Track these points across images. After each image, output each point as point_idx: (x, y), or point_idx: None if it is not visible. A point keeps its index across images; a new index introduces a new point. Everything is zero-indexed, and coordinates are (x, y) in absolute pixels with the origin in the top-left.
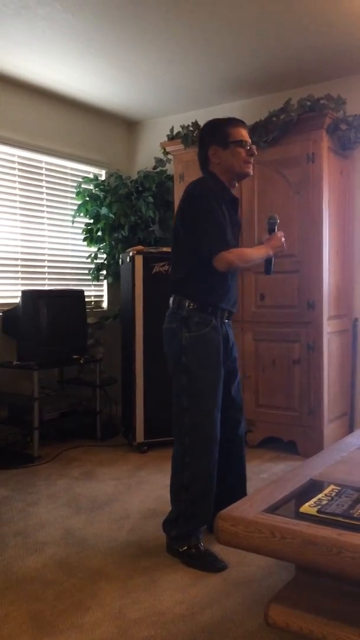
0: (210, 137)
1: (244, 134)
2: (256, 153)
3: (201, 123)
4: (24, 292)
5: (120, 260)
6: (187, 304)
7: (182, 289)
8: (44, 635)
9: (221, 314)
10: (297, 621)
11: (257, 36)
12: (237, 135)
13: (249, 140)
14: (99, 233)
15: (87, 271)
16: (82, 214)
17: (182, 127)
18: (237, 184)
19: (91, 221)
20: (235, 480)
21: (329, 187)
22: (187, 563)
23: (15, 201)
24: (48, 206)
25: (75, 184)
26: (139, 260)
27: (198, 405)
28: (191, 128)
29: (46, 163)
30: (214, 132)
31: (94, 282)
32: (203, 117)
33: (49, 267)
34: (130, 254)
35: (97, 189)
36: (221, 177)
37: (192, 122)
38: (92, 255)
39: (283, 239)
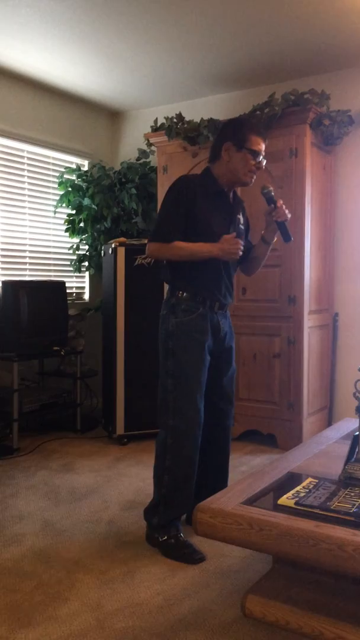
0: (231, 133)
1: (261, 144)
2: (262, 168)
3: (185, 115)
4: (4, 283)
5: (102, 252)
6: (177, 292)
7: (170, 278)
8: (21, 626)
9: (211, 303)
10: (274, 612)
11: (242, 30)
12: (254, 144)
13: (263, 154)
14: (81, 224)
15: (68, 262)
16: (64, 205)
17: (166, 118)
18: (232, 190)
19: (73, 212)
20: (216, 471)
21: (311, 182)
22: (166, 554)
23: None
24: (30, 196)
25: (57, 174)
26: (121, 252)
27: (181, 388)
28: (175, 120)
29: (28, 152)
30: (236, 130)
31: (76, 274)
32: (187, 109)
33: (30, 257)
34: (113, 245)
35: (79, 179)
36: (219, 175)
37: (176, 114)
38: (74, 246)
39: (239, 244)
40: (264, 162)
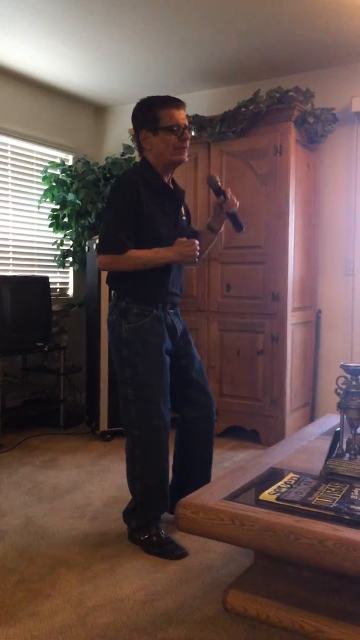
0: (141, 120)
1: (177, 116)
2: (189, 137)
3: None
4: None
5: (86, 248)
6: (126, 296)
7: (117, 282)
8: (3, 623)
9: (163, 304)
10: (255, 606)
11: (228, 26)
12: (168, 120)
13: (183, 123)
14: (65, 219)
15: (52, 258)
16: (48, 200)
17: None
18: (173, 171)
19: (57, 207)
20: (199, 465)
21: (295, 179)
22: (148, 551)
23: None
24: (13, 190)
25: (41, 169)
26: None
27: (144, 396)
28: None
29: (12, 146)
30: (143, 115)
31: (60, 269)
32: None
33: (13, 252)
34: (97, 241)
35: (64, 174)
36: (154, 164)
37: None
38: (58, 241)
39: (195, 246)
40: (190, 131)
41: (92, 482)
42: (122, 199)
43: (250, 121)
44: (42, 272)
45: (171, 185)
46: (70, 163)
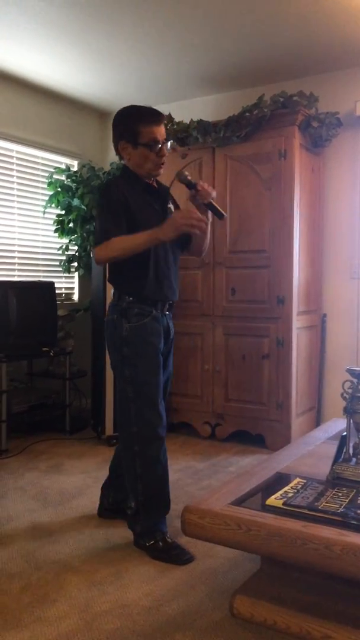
0: (122, 130)
1: (157, 132)
2: (167, 154)
3: (175, 116)
4: None
5: (91, 253)
6: (126, 297)
7: (118, 282)
8: (9, 628)
9: (161, 305)
10: (262, 612)
11: (232, 32)
12: (147, 136)
13: (162, 139)
14: (71, 224)
15: (58, 263)
16: (53, 205)
17: None
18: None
19: (63, 212)
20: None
21: (300, 183)
22: (154, 556)
23: None
24: (19, 196)
25: (46, 174)
26: None
27: (143, 394)
28: (165, 121)
29: (17, 152)
30: (124, 126)
31: (65, 274)
32: (177, 109)
33: (19, 258)
34: None
35: (69, 179)
36: (135, 170)
37: (166, 115)
38: (63, 246)
39: (192, 214)
40: (168, 146)
41: (97, 487)
42: (110, 200)
43: (254, 126)
44: (48, 277)
45: (155, 185)
46: (75, 169)
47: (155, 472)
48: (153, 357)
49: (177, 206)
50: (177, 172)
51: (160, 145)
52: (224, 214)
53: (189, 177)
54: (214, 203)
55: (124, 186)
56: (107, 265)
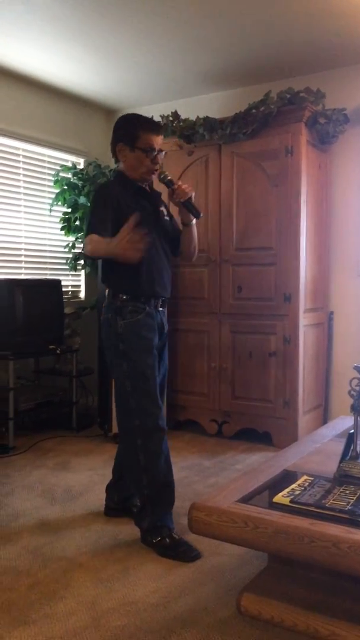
0: (122, 134)
1: (154, 141)
2: (159, 163)
3: (181, 113)
4: (0, 281)
5: None
6: (120, 295)
7: (111, 282)
8: (17, 625)
9: (155, 301)
10: (269, 609)
11: (238, 28)
12: (145, 142)
13: (157, 147)
14: (77, 222)
15: (64, 261)
16: (60, 203)
17: (162, 116)
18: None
19: (69, 210)
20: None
21: (306, 180)
22: (161, 554)
23: None
24: (25, 194)
25: (53, 172)
26: None
27: (141, 387)
28: (171, 118)
29: (24, 150)
30: (126, 130)
31: (72, 272)
32: (183, 107)
33: (25, 256)
34: None
35: (75, 177)
36: (129, 173)
37: (172, 112)
38: (70, 244)
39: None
40: (162, 156)
41: (104, 484)
42: (102, 202)
43: (261, 122)
44: (54, 275)
45: (147, 189)
46: (81, 166)
47: (159, 463)
48: (148, 351)
49: (169, 212)
50: (159, 172)
51: (155, 153)
52: (201, 213)
53: (169, 177)
54: (192, 202)
55: (116, 188)
56: (100, 266)
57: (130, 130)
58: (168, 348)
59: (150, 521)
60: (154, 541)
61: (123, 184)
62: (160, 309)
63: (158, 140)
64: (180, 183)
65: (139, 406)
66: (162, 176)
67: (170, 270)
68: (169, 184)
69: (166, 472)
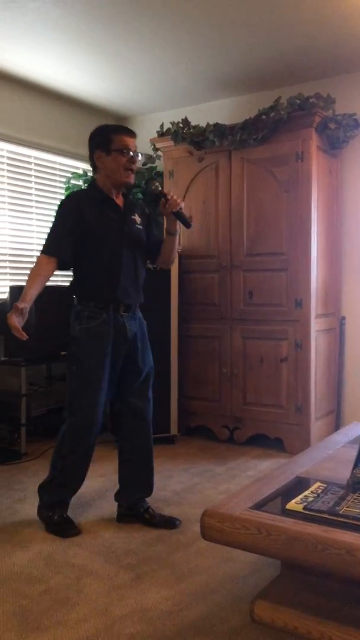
0: (96, 142)
1: (128, 141)
2: (137, 162)
3: (191, 119)
4: (12, 288)
5: None
6: (80, 300)
7: (74, 288)
8: (30, 631)
9: (115, 307)
10: (282, 617)
11: (247, 34)
12: (119, 143)
13: (133, 149)
14: None
15: None
16: None
17: (172, 123)
18: (121, 191)
19: None
20: (139, 467)
21: (317, 185)
22: (47, 529)
23: (3, 196)
24: (37, 201)
25: (64, 180)
26: None
27: (83, 389)
28: (181, 125)
29: (35, 158)
30: (100, 137)
31: None
32: (193, 113)
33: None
34: None
35: (86, 184)
36: (103, 184)
37: (182, 119)
38: None
39: (16, 322)
40: (138, 157)
41: (116, 490)
42: (63, 211)
43: (271, 128)
44: (66, 281)
45: (121, 199)
46: (92, 174)
47: (76, 459)
48: (97, 357)
49: (147, 217)
50: (150, 183)
51: (131, 153)
52: (191, 223)
53: (160, 188)
54: (182, 212)
55: (79, 198)
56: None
57: (103, 135)
58: (178, 353)
59: (49, 497)
60: (45, 514)
61: (90, 195)
62: (124, 313)
63: (132, 142)
64: (171, 194)
65: (77, 405)
66: (153, 187)
67: (139, 277)
68: (160, 195)
69: (79, 467)
